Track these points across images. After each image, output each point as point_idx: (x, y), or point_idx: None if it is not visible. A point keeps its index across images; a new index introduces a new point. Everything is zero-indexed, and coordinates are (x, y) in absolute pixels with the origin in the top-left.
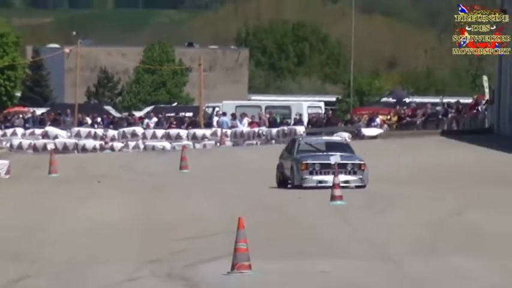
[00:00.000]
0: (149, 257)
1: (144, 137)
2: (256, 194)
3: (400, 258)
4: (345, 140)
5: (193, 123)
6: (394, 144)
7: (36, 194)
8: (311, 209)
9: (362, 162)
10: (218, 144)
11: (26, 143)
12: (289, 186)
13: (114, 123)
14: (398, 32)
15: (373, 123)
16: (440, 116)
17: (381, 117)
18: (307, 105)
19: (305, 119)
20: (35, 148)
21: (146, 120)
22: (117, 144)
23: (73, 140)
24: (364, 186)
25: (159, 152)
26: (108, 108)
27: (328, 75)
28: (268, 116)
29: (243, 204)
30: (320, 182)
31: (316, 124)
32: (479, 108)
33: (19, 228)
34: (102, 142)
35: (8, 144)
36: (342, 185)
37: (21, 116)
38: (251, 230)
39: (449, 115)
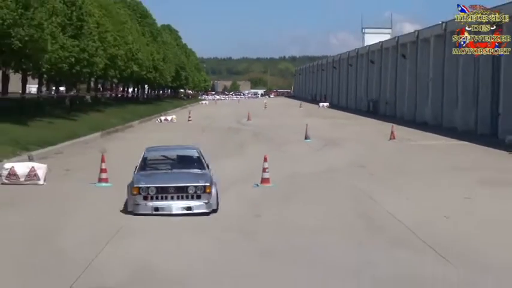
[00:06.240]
0: None
1: None
2: None
3: (342, 169)
4: (197, 152)
5: None
6: None
7: None
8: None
9: (207, 184)
10: None
11: None
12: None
13: None
14: None
15: None
16: None
17: None
18: None
19: None
20: None
21: None
22: None
23: None
24: (210, 213)
25: None
26: None
27: None
28: None
29: None
30: (156, 209)
31: None
32: None
33: None
34: None
35: None
36: (182, 212)
37: None
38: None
39: None
